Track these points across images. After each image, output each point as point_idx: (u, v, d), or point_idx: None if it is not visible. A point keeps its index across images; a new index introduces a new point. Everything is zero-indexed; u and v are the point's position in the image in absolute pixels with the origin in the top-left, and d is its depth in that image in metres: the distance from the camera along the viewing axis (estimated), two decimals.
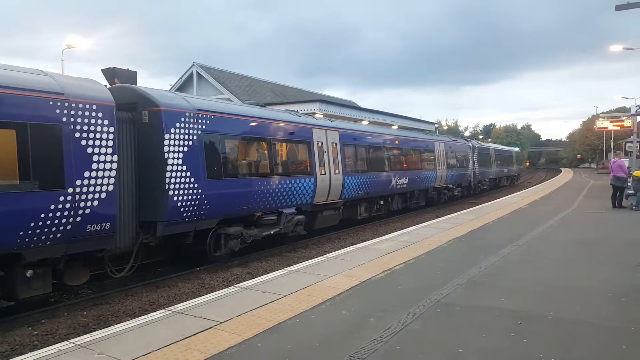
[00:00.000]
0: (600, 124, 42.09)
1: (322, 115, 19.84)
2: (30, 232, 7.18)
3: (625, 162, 20.50)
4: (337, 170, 15.30)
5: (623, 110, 53.92)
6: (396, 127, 27.22)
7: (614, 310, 6.00)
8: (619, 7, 9.85)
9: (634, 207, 17.30)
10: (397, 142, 20.61)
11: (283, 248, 13.44)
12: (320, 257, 9.64)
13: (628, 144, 30.15)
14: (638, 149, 29.81)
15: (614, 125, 40.37)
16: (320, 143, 14.67)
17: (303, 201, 13.64)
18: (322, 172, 14.51)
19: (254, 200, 11.74)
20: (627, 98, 62.15)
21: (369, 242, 11.45)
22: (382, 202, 19.07)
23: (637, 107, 29.36)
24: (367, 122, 24.38)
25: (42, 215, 7.30)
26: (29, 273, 7.52)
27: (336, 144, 15.60)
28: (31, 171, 7.23)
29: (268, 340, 5.06)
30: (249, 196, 11.59)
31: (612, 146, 56.89)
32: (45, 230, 7.36)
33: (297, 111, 16.56)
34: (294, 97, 37.18)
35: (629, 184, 18.31)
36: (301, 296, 6.65)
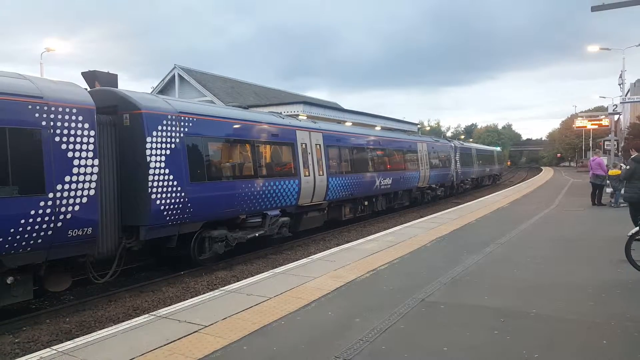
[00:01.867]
0: (579, 123, 42.98)
1: (305, 117, 19.87)
2: (10, 238, 7.05)
3: (604, 160, 20.90)
4: (321, 172, 15.32)
5: (601, 109, 54.95)
6: (379, 128, 27.37)
7: (594, 306, 6.11)
8: (594, 8, 10.04)
9: (612, 205, 17.63)
10: (380, 143, 20.72)
11: (268, 250, 13.40)
12: (305, 259, 9.64)
13: (606, 143, 30.74)
14: (616, 147, 30.42)
15: (592, 124, 41.28)
16: (304, 145, 14.68)
17: (287, 203, 13.63)
18: (307, 174, 14.51)
19: (238, 202, 11.69)
20: (604, 97, 63.43)
21: (354, 242, 11.49)
22: (366, 203, 19.12)
23: (615, 107, 30.01)
24: (351, 124, 24.49)
25: (22, 221, 7.18)
26: (9, 280, 7.38)
27: (320, 145, 15.62)
28: (10, 176, 7.11)
29: (254, 343, 5.05)
30: (233, 199, 11.54)
31: (591, 145, 57.93)
32: (26, 236, 7.23)
33: (281, 113, 16.54)
34: (276, 98, 37.14)
35: (607, 182, 18.66)
36: (287, 298, 6.64)
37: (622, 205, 16.11)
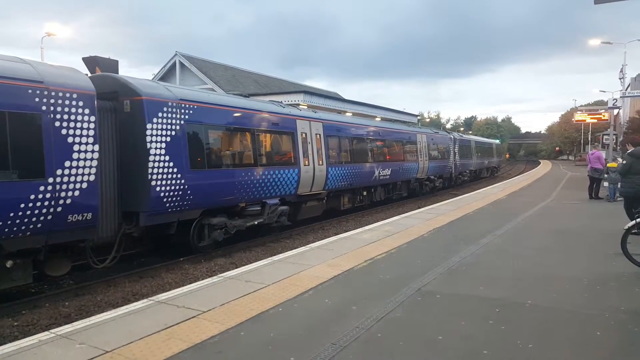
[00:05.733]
0: (579, 116, 42.97)
1: (306, 107, 19.84)
2: (9, 222, 7.09)
3: (603, 154, 20.94)
4: (320, 162, 15.34)
5: (601, 103, 54.88)
6: (379, 119, 27.34)
7: (589, 297, 6.18)
8: (597, 1, 10.00)
9: (610, 200, 17.68)
10: (380, 133, 20.72)
11: (267, 238, 13.46)
12: (303, 247, 9.70)
13: (605, 137, 30.75)
14: (615, 141, 30.43)
15: (591, 118, 41.29)
16: (304, 134, 14.68)
17: (287, 192, 13.66)
18: (306, 163, 14.53)
19: (238, 190, 11.72)
20: (604, 92, 63.11)
21: (352, 232, 11.54)
22: (365, 193, 19.19)
23: (614, 101, 29.98)
24: (351, 114, 24.43)
25: (22, 206, 7.21)
26: (9, 264, 7.43)
27: (320, 135, 15.63)
28: (10, 161, 7.13)
29: (251, 329, 5.10)
30: (233, 187, 11.57)
31: (590, 139, 57.93)
32: (25, 220, 7.27)
33: (281, 102, 16.53)
34: (277, 87, 37.05)
35: (605, 175, 18.70)
36: (284, 285, 6.70)
37: (618, 199, 16.17)
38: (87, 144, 8.11)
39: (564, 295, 6.23)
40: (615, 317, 5.39)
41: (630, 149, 10.10)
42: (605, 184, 18.65)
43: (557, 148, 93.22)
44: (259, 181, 12.39)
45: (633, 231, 7.82)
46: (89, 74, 9.86)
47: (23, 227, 7.27)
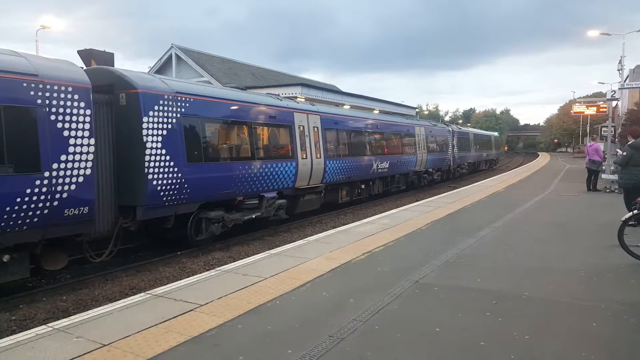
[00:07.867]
0: (577, 108, 42.87)
1: (303, 99, 19.77)
2: (5, 216, 7.07)
3: (601, 146, 20.93)
4: (318, 155, 15.31)
5: (600, 95, 54.84)
6: (377, 111, 27.25)
7: (585, 289, 6.19)
8: None
9: (607, 190, 17.72)
10: (378, 126, 20.67)
11: (265, 232, 13.46)
12: (301, 241, 9.69)
13: (603, 129, 30.71)
14: (613, 133, 30.41)
15: (589, 109, 41.16)
16: (301, 127, 14.64)
17: (285, 185, 13.64)
18: (304, 157, 14.50)
19: (235, 184, 11.69)
20: (603, 83, 63.02)
21: (350, 225, 11.53)
22: (363, 186, 19.17)
23: (613, 92, 29.92)
24: (349, 107, 24.35)
25: (18, 200, 7.18)
26: (5, 258, 7.42)
27: (318, 128, 15.58)
28: (5, 155, 7.09)
29: (248, 322, 5.10)
30: (230, 180, 11.54)
31: (588, 131, 57.91)
32: (22, 214, 7.24)
33: (279, 95, 16.46)
34: (274, 80, 36.92)
35: (603, 167, 18.71)
36: (282, 278, 6.69)
37: (615, 191, 16.20)
38: (83, 137, 8.07)
39: (560, 287, 6.24)
40: (612, 309, 5.40)
41: (631, 141, 10.09)
42: (604, 176, 18.67)
43: (556, 140, 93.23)
44: (256, 174, 12.36)
45: (630, 223, 7.83)
46: (85, 67, 9.79)
47: (19, 222, 7.25)
